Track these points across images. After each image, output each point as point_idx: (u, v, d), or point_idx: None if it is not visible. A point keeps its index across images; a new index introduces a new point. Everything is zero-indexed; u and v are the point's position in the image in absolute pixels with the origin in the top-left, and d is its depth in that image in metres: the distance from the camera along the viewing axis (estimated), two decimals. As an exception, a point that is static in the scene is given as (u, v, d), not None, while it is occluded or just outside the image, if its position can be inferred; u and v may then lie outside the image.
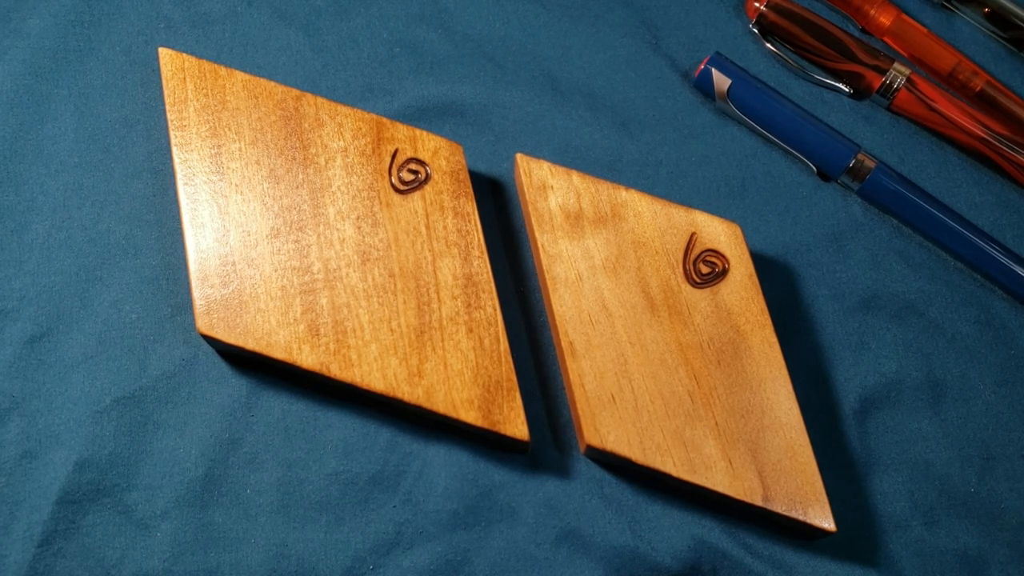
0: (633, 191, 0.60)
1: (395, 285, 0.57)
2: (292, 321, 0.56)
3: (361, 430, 0.58)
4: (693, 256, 0.59)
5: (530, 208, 0.60)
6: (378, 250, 0.58)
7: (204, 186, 0.58)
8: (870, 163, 0.63)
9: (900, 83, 0.65)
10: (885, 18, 0.67)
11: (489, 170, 0.64)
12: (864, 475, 0.60)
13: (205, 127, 0.59)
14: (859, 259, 0.63)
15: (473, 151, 0.64)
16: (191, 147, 0.59)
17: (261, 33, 0.65)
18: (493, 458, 0.58)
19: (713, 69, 0.64)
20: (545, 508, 0.58)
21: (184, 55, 0.60)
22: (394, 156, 0.59)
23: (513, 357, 0.58)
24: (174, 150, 0.59)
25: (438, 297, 0.57)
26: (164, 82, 0.60)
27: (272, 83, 0.60)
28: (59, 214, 0.61)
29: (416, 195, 0.59)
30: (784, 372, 0.57)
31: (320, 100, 0.60)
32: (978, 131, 0.64)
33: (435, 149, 0.60)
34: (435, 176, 0.59)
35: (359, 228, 0.58)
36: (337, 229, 0.58)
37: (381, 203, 0.59)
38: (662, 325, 0.58)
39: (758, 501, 0.55)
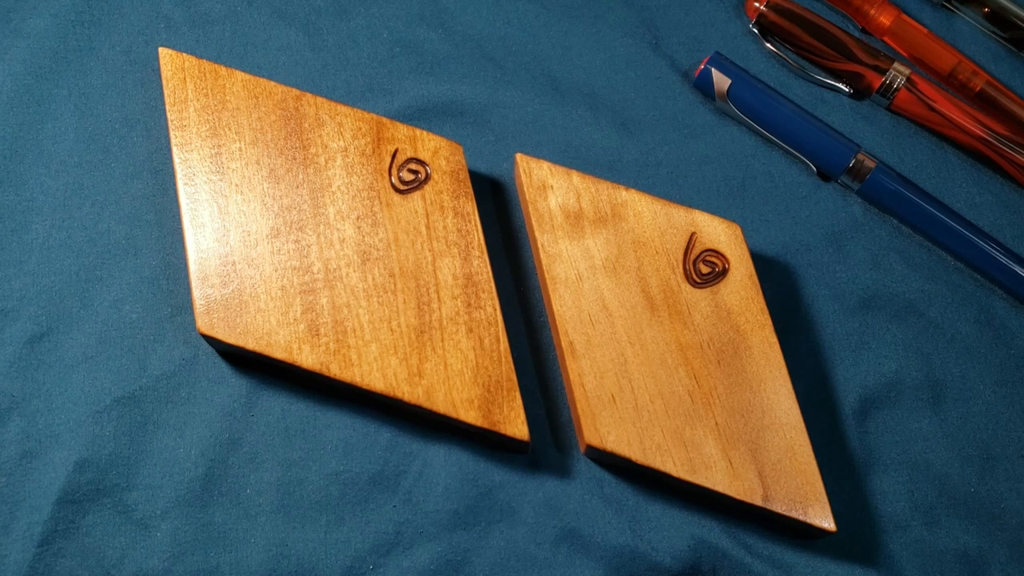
0: (633, 191, 0.60)
1: (395, 285, 0.57)
2: (292, 321, 0.56)
3: (361, 430, 0.58)
4: (693, 256, 0.59)
5: (530, 208, 0.60)
6: (378, 250, 0.58)
7: (204, 186, 0.58)
8: (870, 163, 0.63)
9: (900, 83, 0.65)
10: (885, 18, 0.67)
11: (489, 170, 0.64)
12: (864, 475, 0.60)
13: (205, 127, 0.59)
14: (859, 259, 0.63)
15: (473, 151, 0.64)
16: (191, 147, 0.59)
17: (261, 33, 0.65)
18: (493, 458, 0.58)
19: (713, 69, 0.64)
20: (545, 508, 0.58)
21: (184, 55, 0.60)
22: (394, 156, 0.59)
23: (513, 357, 0.58)
24: (174, 150, 0.59)
25: (438, 297, 0.57)
26: (164, 82, 0.60)
27: (272, 83, 0.60)
28: (59, 214, 0.61)
29: (416, 195, 0.59)
30: (784, 372, 0.57)
31: (320, 100, 0.60)
32: (978, 131, 0.64)
33: (435, 149, 0.60)
34: (435, 176, 0.59)
35: (359, 228, 0.58)
36: (337, 229, 0.58)
37: (381, 203, 0.59)
38: (662, 325, 0.58)
39: (758, 501, 0.55)
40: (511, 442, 0.56)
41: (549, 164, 0.60)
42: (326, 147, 0.59)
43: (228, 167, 0.59)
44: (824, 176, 0.65)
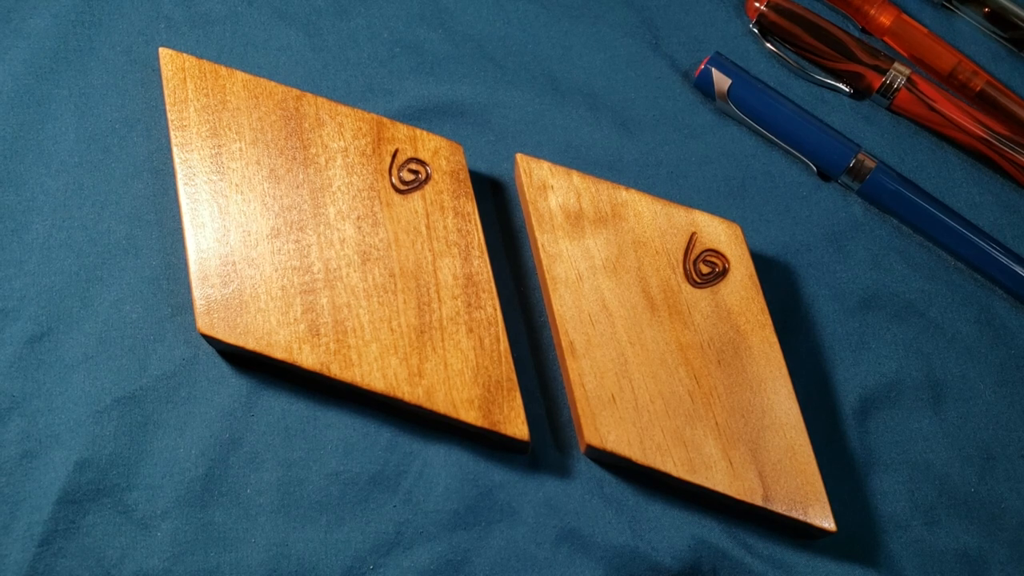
0: (633, 191, 0.60)
1: (395, 285, 0.57)
2: (292, 321, 0.56)
3: (361, 430, 0.58)
4: (693, 256, 0.59)
5: (530, 208, 0.60)
6: (378, 250, 0.58)
7: (204, 186, 0.58)
8: (870, 163, 0.63)
9: (900, 83, 0.65)
10: (885, 18, 0.67)
11: (489, 170, 0.64)
12: (864, 475, 0.60)
13: (205, 127, 0.59)
14: (859, 259, 0.63)
15: (473, 151, 0.64)
16: (191, 147, 0.59)
17: (261, 33, 0.65)
18: (493, 458, 0.58)
19: (713, 69, 0.64)
20: (545, 508, 0.58)
21: (184, 55, 0.60)
22: (394, 156, 0.59)
23: (513, 357, 0.58)
24: (174, 150, 0.59)
25: (438, 297, 0.57)
26: (164, 82, 0.60)
27: (272, 83, 0.60)
28: (59, 214, 0.61)
29: (416, 195, 0.59)
30: (784, 372, 0.57)
31: (320, 100, 0.60)
32: (978, 131, 0.64)
33: (435, 149, 0.60)
34: (435, 176, 0.59)
35: (359, 228, 0.58)
36: (337, 229, 0.58)
37: (381, 203, 0.59)
38: (662, 325, 0.58)
39: (758, 501, 0.55)
40: (511, 442, 0.56)
41: (549, 164, 0.60)
42: (326, 147, 0.59)
43: (228, 167, 0.59)
44: (824, 176, 0.65)
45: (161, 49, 0.61)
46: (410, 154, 0.59)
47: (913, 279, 0.63)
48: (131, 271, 0.60)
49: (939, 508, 0.59)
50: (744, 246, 0.59)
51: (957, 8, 0.68)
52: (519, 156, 0.60)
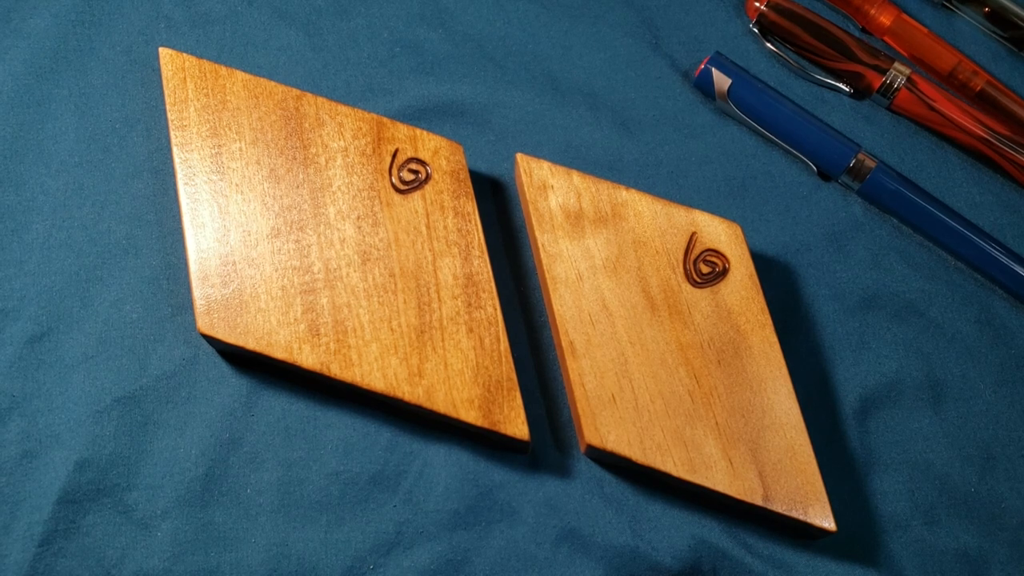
0: (633, 191, 0.60)
1: (395, 285, 0.57)
2: (292, 321, 0.56)
3: (361, 430, 0.58)
4: (693, 256, 0.59)
5: (530, 208, 0.60)
6: (378, 250, 0.58)
7: (204, 186, 0.58)
8: (870, 163, 0.63)
9: (900, 83, 0.65)
10: (885, 18, 0.67)
11: (489, 170, 0.64)
12: (864, 475, 0.60)
13: (205, 127, 0.59)
14: (859, 259, 0.63)
15: (473, 151, 0.64)
16: (191, 147, 0.59)
17: (261, 33, 0.65)
18: (493, 458, 0.58)
19: (713, 69, 0.64)
20: (545, 508, 0.58)
21: (184, 55, 0.60)
22: (394, 156, 0.59)
23: (513, 357, 0.58)
24: (174, 150, 0.59)
25: (438, 297, 0.57)
26: (164, 82, 0.60)
27: (272, 83, 0.60)
28: (59, 214, 0.61)
29: (416, 195, 0.59)
30: (784, 372, 0.57)
31: (320, 100, 0.60)
32: (978, 131, 0.64)
33: (435, 149, 0.60)
34: (435, 176, 0.59)
35: (359, 228, 0.58)
36: (337, 229, 0.58)
37: (381, 203, 0.59)
38: (662, 325, 0.58)
39: (758, 501, 0.55)
40: (511, 442, 0.56)
41: (549, 164, 0.60)
42: (326, 147, 0.59)
43: (228, 167, 0.59)
44: (824, 176, 0.65)
45: (161, 49, 0.61)
46: (410, 154, 0.59)
47: (913, 279, 0.63)
48: (131, 271, 0.60)
49: (939, 508, 0.59)
50: (744, 246, 0.59)
51: (957, 8, 0.68)
52: (519, 156, 0.60)
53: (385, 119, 0.60)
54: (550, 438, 0.59)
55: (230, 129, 0.59)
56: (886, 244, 0.64)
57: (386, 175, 0.59)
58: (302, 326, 0.56)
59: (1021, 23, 0.66)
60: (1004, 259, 0.62)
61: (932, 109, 0.64)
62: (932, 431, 0.61)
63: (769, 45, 0.66)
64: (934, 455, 0.60)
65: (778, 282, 0.63)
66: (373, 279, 0.57)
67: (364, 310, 0.57)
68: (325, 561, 0.56)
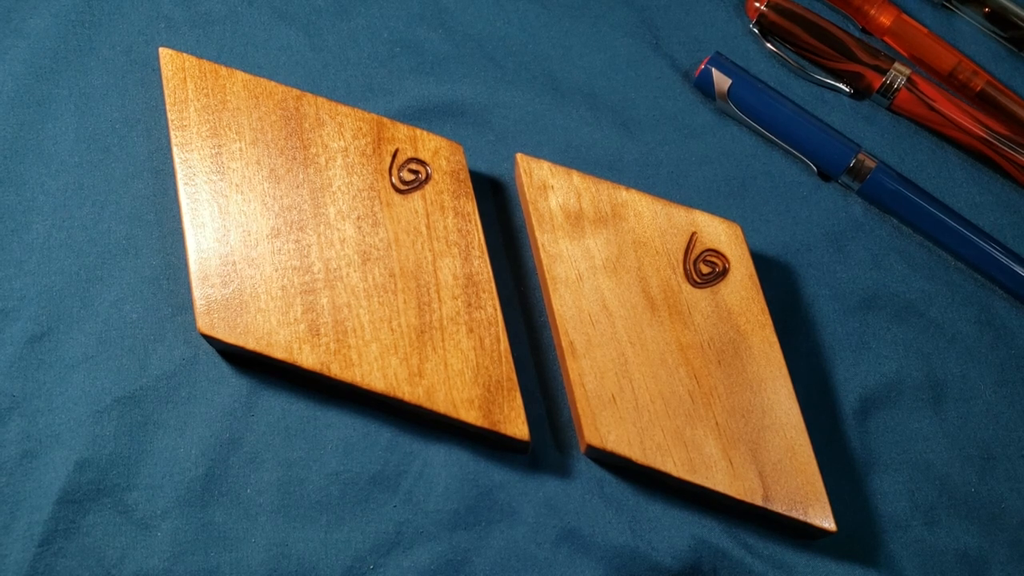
0: (633, 191, 0.60)
1: (395, 285, 0.57)
2: (292, 321, 0.56)
3: (361, 430, 0.58)
4: (693, 256, 0.59)
5: (530, 208, 0.60)
6: (378, 250, 0.58)
7: (204, 186, 0.58)
8: (870, 163, 0.63)
9: (900, 83, 0.65)
10: (885, 18, 0.67)
11: (489, 170, 0.64)
12: (864, 475, 0.60)
13: (205, 127, 0.59)
14: (859, 259, 0.63)
15: (473, 151, 0.64)
16: (191, 147, 0.59)
17: (261, 33, 0.65)
18: (493, 458, 0.58)
19: (713, 69, 0.64)
20: (545, 508, 0.58)
21: (184, 55, 0.60)
22: (394, 156, 0.59)
23: (513, 357, 0.58)
24: (174, 150, 0.59)
25: (438, 297, 0.57)
26: (164, 82, 0.60)
27: (272, 83, 0.60)
28: (59, 214, 0.61)
29: (416, 195, 0.59)
30: (784, 372, 0.57)
31: (320, 100, 0.60)
32: (978, 131, 0.64)
33: (435, 149, 0.60)
34: (435, 176, 0.59)
35: (359, 228, 0.58)
36: (337, 229, 0.58)
37: (381, 203, 0.59)
38: (662, 325, 0.58)
39: (758, 501, 0.55)
40: (511, 442, 0.56)
41: (549, 164, 0.60)
42: (326, 147, 0.59)
43: (228, 167, 0.59)
44: (824, 176, 0.65)
45: (161, 49, 0.61)
46: (410, 154, 0.59)
47: (913, 279, 0.63)
48: (131, 271, 0.60)
49: (939, 508, 0.59)
50: (744, 246, 0.59)
51: (957, 8, 0.68)
52: (519, 156, 0.60)
53: (385, 119, 0.60)
54: (550, 438, 0.59)
55: (230, 129, 0.59)
56: (886, 244, 0.64)
57: (386, 175, 0.59)
58: (302, 326, 0.56)
59: (1021, 23, 0.66)
60: (1004, 259, 0.62)
61: (932, 109, 0.64)
62: (932, 431, 0.61)
63: (769, 45, 0.66)
64: (934, 455, 0.60)
65: (778, 282, 0.63)
66: (373, 279, 0.57)
67: (364, 310, 0.57)
68: (325, 561, 0.56)
